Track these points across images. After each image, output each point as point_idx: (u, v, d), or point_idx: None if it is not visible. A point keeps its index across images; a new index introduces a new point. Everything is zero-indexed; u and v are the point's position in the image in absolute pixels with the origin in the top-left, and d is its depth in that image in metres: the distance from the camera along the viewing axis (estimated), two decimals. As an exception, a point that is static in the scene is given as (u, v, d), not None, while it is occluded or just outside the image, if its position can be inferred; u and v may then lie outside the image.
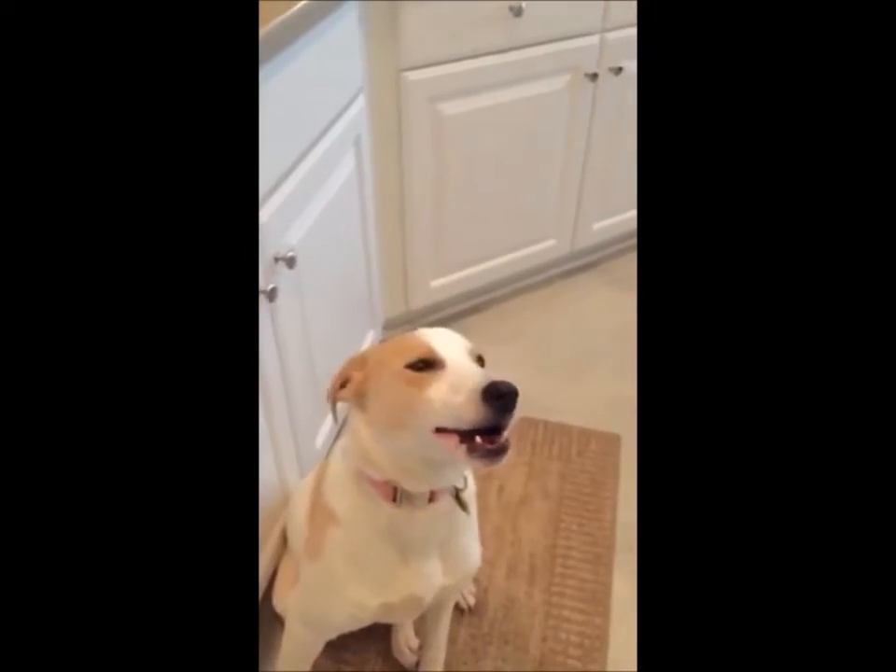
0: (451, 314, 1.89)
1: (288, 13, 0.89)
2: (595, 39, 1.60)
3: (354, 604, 0.79)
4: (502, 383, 0.60)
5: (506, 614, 1.18)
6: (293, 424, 1.15)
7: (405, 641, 1.11)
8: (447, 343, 0.69)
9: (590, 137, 1.75)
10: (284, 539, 1.12)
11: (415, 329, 0.73)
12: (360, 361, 0.74)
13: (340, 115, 1.21)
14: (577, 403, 1.62)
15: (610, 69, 1.65)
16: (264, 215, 0.93)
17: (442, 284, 1.73)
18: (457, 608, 1.17)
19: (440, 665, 1.05)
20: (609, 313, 1.92)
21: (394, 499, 0.72)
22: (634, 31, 1.64)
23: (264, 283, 0.93)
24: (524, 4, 1.41)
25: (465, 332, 0.73)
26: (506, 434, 0.62)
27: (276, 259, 0.96)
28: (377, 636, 1.13)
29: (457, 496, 0.75)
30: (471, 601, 1.18)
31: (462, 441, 0.62)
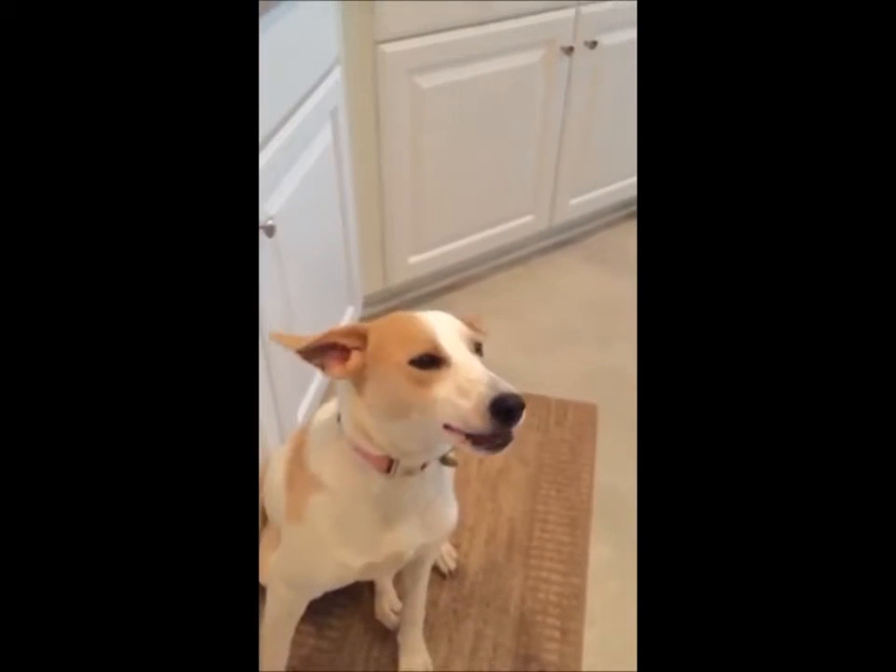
0: (430, 290, 1.89)
1: (263, -20, 0.89)
2: (570, 13, 1.61)
3: (338, 564, 0.81)
4: (510, 396, 0.60)
5: (486, 577, 1.21)
6: (275, 398, 1.15)
7: (389, 605, 1.14)
8: (450, 334, 0.68)
9: (566, 112, 1.76)
10: (263, 516, 1.12)
11: (398, 307, 0.71)
12: (357, 336, 0.71)
13: (316, 86, 1.21)
14: (555, 376, 1.65)
15: (586, 43, 1.66)
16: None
17: (421, 260, 1.74)
18: (439, 572, 1.19)
19: (419, 624, 1.08)
20: (586, 288, 1.95)
21: (388, 470, 0.73)
22: (609, 4, 1.65)
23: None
24: (499, -24, 1.41)
25: (444, 309, 0.72)
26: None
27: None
28: (361, 599, 1.16)
29: (444, 457, 0.77)
30: (452, 565, 1.21)
31: (467, 437, 0.64)
